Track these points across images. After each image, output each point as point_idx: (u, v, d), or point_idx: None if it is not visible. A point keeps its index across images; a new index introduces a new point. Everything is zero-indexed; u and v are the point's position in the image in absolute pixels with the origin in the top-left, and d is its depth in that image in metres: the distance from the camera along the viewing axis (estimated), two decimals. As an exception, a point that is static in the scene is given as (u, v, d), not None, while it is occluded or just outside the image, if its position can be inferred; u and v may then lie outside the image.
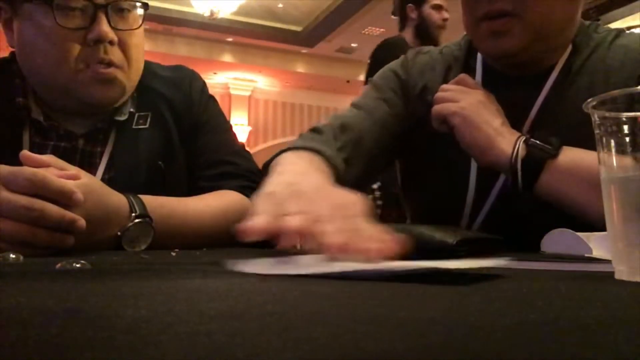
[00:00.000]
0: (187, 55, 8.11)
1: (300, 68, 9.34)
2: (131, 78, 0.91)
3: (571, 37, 0.88)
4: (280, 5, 7.46)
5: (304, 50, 8.89)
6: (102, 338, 0.18)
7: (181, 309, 0.25)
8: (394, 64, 1.03)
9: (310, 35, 8.23)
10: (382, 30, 8.00)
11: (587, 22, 0.92)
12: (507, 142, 0.77)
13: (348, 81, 9.67)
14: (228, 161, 0.99)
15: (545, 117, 0.85)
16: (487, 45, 0.86)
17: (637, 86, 0.80)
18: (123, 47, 0.88)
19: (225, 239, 0.87)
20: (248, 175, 0.97)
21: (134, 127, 0.94)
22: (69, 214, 0.61)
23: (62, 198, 0.61)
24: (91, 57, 0.85)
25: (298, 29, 8.21)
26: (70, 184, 0.63)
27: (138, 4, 0.89)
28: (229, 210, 0.89)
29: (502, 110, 0.83)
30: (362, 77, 10.56)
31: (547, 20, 0.81)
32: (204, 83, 1.07)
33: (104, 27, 0.84)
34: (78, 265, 0.44)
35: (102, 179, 0.88)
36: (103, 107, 0.90)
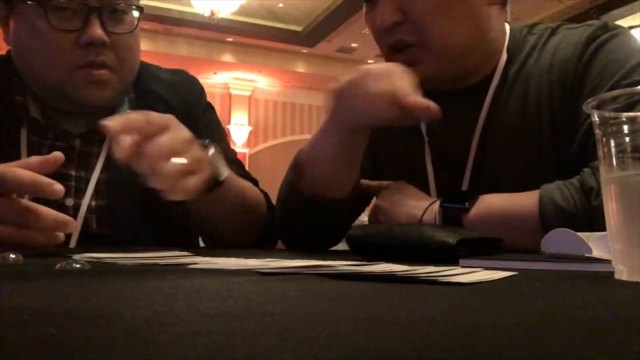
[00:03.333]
0: (187, 55, 8.11)
1: (301, 68, 9.34)
2: (125, 80, 0.91)
3: (500, 45, 0.86)
4: (281, 5, 7.46)
5: (304, 50, 8.89)
6: (102, 338, 0.18)
7: (181, 309, 0.25)
8: None
9: (310, 35, 8.22)
10: (382, 30, 7.98)
11: (521, 26, 0.90)
12: (427, 213, 0.80)
13: (348, 81, 9.65)
14: None
15: (491, 130, 0.85)
16: None
17: (562, 91, 0.80)
18: (117, 49, 0.87)
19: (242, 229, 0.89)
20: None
21: None
22: (61, 216, 0.63)
23: (42, 192, 0.62)
24: (83, 59, 0.85)
25: (298, 29, 8.21)
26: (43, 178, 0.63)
27: (133, 7, 0.89)
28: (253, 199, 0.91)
29: (449, 126, 0.86)
30: (362, 77, 10.51)
31: (449, 42, 0.81)
32: (202, 89, 1.07)
33: (97, 29, 0.84)
34: (78, 266, 0.44)
35: (99, 180, 0.89)
36: (97, 108, 0.90)
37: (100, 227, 0.89)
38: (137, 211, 0.91)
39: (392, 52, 0.83)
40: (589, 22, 0.85)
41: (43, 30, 0.83)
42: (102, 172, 0.90)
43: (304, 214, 0.82)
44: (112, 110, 0.93)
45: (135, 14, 0.89)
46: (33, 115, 0.89)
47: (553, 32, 0.86)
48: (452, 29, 0.80)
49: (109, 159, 0.91)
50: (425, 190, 0.88)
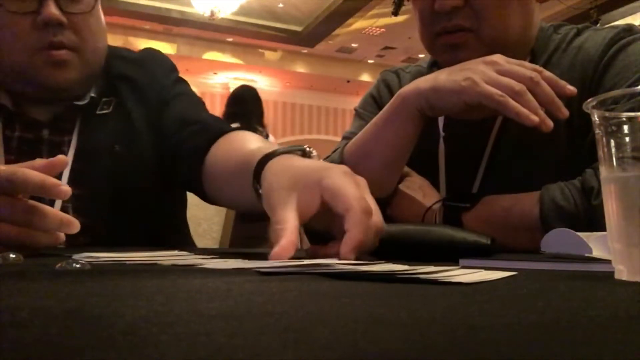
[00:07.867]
0: (187, 55, 8.11)
1: (301, 68, 9.34)
2: (88, 61, 0.90)
3: (530, 44, 0.88)
4: (281, 5, 7.46)
5: (304, 50, 8.89)
6: (102, 338, 0.18)
7: (181, 309, 0.25)
8: (372, 89, 1.06)
9: (310, 35, 8.23)
10: (382, 30, 8.00)
11: (547, 25, 0.91)
12: (430, 210, 0.82)
13: (348, 81, 9.67)
14: (197, 120, 0.96)
15: (507, 131, 0.86)
16: (444, 57, 0.88)
17: (581, 91, 0.79)
18: (76, 29, 0.87)
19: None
20: (216, 127, 0.94)
21: (97, 112, 0.94)
22: (66, 217, 0.63)
23: (49, 194, 0.61)
24: (42, 41, 0.85)
25: (298, 29, 8.21)
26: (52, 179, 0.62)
27: None
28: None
29: (466, 126, 0.87)
30: (362, 77, 10.58)
31: (502, 33, 0.83)
32: (174, 67, 1.06)
33: (52, 9, 0.84)
34: (78, 266, 0.44)
35: (72, 168, 0.88)
36: (61, 90, 0.89)
37: (77, 216, 0.88)
38: (114, 200, 0.90)
39: (438, 35, 0.84)
40: (614, 24, 0.87)
41: None
42: (74, 160, 0.89)
43: None
44: (79, 96, 0.92)
45: None
46: (3, 102, 0.89)
47: (578, 32, 0.87)
48: (507, 21, 0.82)
49: (80, 146, 0.90)
50: (435, 187, 0.89)
